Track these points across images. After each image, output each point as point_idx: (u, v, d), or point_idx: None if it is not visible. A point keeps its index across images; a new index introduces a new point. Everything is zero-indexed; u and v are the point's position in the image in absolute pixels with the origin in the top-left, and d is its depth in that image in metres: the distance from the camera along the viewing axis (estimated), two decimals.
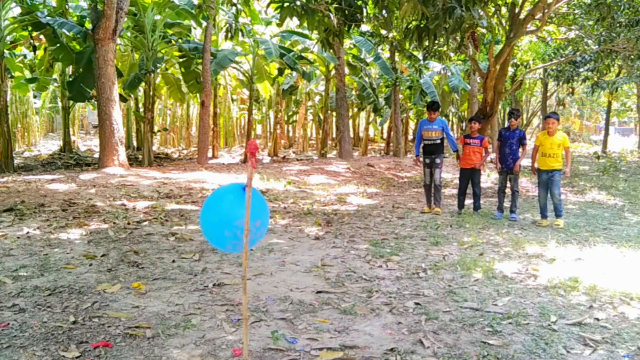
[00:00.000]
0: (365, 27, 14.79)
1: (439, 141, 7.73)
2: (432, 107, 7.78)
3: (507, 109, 19.28)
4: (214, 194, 2.66)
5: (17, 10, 16.00)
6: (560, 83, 17.38)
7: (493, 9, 11.25)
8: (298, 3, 6.70)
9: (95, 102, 12.45)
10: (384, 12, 8.96)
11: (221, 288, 4.00)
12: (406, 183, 12.38)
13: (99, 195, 7.95)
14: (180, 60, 16.43)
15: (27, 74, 19.28)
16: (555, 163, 6.83)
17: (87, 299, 3.64)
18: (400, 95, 19.65)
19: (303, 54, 18.10)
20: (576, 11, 12.14)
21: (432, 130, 7.70)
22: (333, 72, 18.37)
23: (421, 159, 7.93)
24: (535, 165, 7.11)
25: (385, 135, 27.16)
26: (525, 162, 9.95)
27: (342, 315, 3.50)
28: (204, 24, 14.50)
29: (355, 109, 25.86)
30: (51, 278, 4.08)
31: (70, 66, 16.33)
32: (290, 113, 27.16)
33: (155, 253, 5.00)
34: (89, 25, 12.95)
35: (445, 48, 12.82)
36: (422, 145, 7.90)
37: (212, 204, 2.62)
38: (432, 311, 3.57)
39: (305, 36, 17.16)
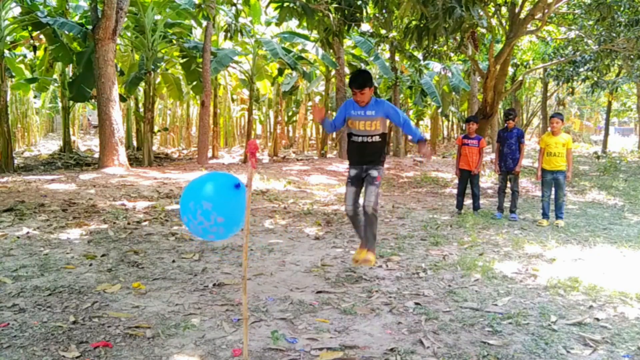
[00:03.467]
0: (365, 27, 14.79)
1: (377, 138, 4.25)
2: (355, 81, 4.17)
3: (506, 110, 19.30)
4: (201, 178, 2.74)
5: (17, 10, 16.01)
6: (560, 83, 17.36)
7: (493, 9, 11.25)
8: (297, 3, 6.70)
9: (95, 102, 12.46)
10: (384, 11, 8.95)
11: (221, 288, 4.00)
12: (406, 183, 12.37)
13: (99, 195, 7.95)
14: (182, 60, 16.42)
15: (27, 74, 19.28)
16: (561, 162, 6.90)
17: (87, 299, 3.64)
18: (401, 95, 19.64)
19: (303, 55, 18.10)
20: (576, 11, 12.15)
21: (364, 119, 4.20)
22: (333, 72, 18.38)
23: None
24: (541, 166, 7.13)
25: None
26: (525, 162, 9.94)
27: (342, 315, 3.50)
28: (204, 23, 14.51)
29: None
30: (51, 278, 4.08)
31: (71, 66, 16.35)
32: (290, 113, 27.16)
33: (155, 253, 5.00)
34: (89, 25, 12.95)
35: (445, 48, 12.81)
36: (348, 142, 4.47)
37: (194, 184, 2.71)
38: (432, 311, 3.57)
39: (306, 37, 17.16)
